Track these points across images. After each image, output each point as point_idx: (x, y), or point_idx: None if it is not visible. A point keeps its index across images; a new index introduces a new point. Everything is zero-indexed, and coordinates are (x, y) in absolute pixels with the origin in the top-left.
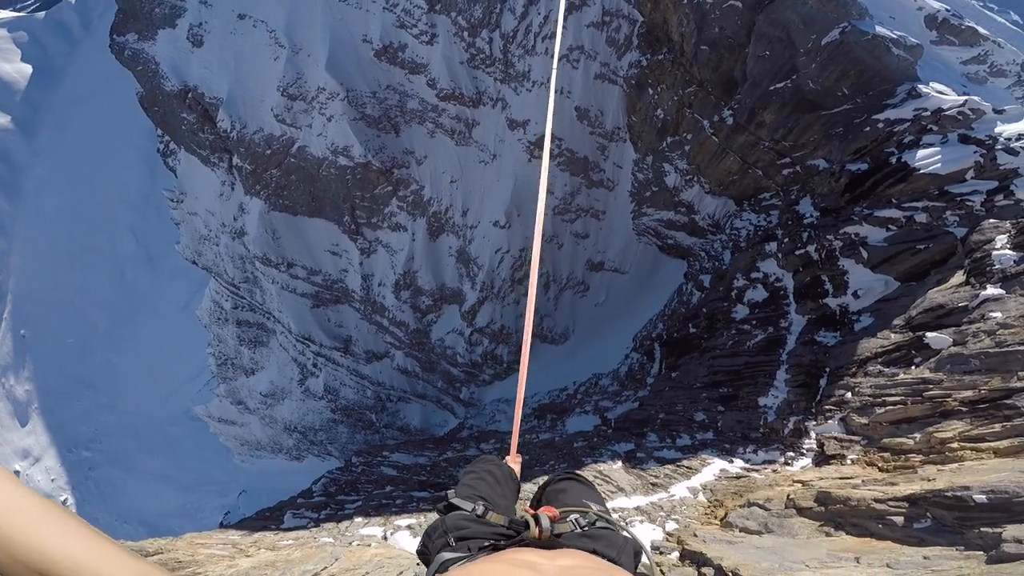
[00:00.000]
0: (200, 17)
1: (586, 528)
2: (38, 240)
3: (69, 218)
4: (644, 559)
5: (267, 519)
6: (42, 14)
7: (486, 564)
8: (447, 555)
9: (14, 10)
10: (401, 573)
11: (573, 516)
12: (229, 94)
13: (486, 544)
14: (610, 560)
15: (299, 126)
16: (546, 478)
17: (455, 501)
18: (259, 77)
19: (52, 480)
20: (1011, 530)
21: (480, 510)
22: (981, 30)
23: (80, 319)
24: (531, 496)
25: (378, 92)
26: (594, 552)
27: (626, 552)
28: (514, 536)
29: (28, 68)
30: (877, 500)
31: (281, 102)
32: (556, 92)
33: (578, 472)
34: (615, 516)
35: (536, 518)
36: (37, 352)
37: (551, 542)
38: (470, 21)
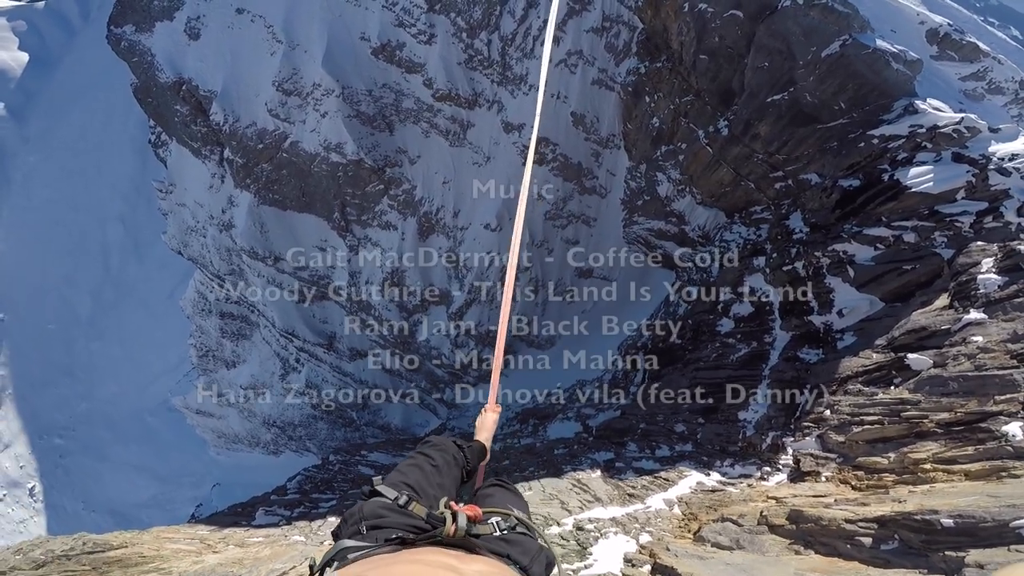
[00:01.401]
0: (198, 11)
1: (505, 532)
2: (24, 226)
3: (57, 205)
4: (555, 571)
5: (238, 515)
6: (42, 3)
7: (404, 566)
8: (349, 543)
9: None
10: None
11: (494, 519)
12: (224, 87)
13: (394, 536)
14: (522, 568)
15: (292, 121)
16: (477, 482)
17: (379, 488)
18: (255, 71)
19: (21, 467)
20: (974, 555)
21: (403, 500)
22: (982, 46)
23: (63, 306)
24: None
25: (374, 90)
26: (508, 557)
27: (539, 561)
28: (429, 529)
29: (24, 56)
30: (848, 520)
31: (275, 97)
32: (552, 96)
33: (506, 480)
34: (536, 523)
35: (455, 515)
36: (15, 337)
37: (465, 541)
38: (469, 22)
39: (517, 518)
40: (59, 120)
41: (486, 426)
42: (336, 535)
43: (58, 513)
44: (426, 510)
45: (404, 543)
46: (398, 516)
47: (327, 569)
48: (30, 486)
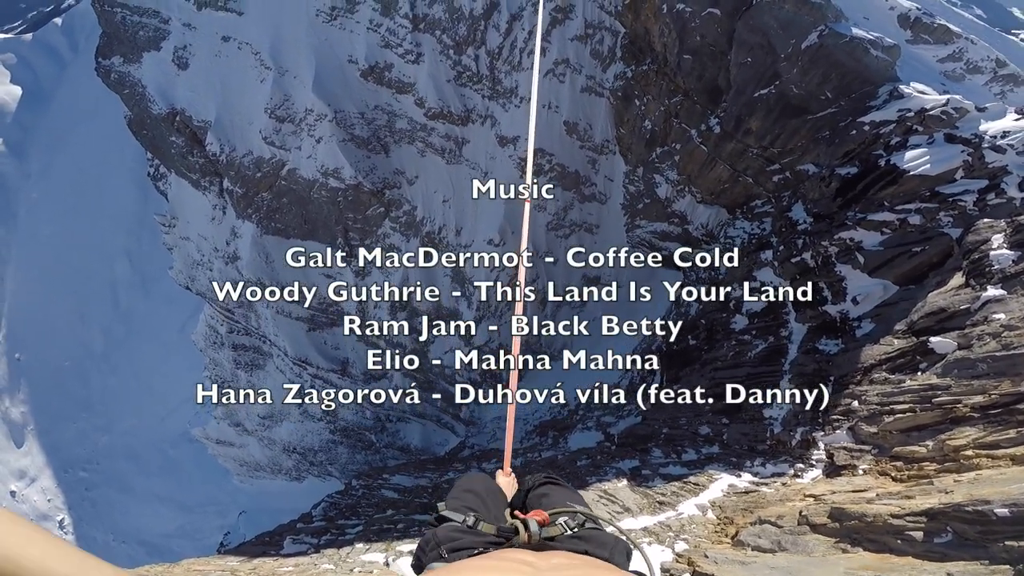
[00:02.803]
0: (184, 40)
1: (576, 530)
2: (32, 264)
3: (63, 241)
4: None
5: (266, 544)
6: (29, 36)
7: (480, 561)
8: (438, 565)
9: (1, 32)
10: None
11: (562, 519)
12: (217, 117)
13: (476, 552)
14: (603, 560)
15: (288, 148)
16: (527, 482)
17: (446, 513)
18: (246, 99)
19: (48, 500)
20: None
21: (471, 521)
22: (953, 27)
23: (76, 342)
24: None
25: (366, 113)
26: (586, 553)
27: (618, 551)
28: (504, 542)
29: (18, 90)
30: (894, 516)
31: (269, 124)
32: (543, 107)
33: (556, 476)
34: (605, 515)
35: (525, 523)
36: (33, 375)
37: (541, 545)
38: (455, 39)
39: (584, 514)
40: (57, 154)
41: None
42: (418, 565)
43: (90, 545)
44: (494, 527)
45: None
46: (472, 536)
47: None
48: (59, 518)
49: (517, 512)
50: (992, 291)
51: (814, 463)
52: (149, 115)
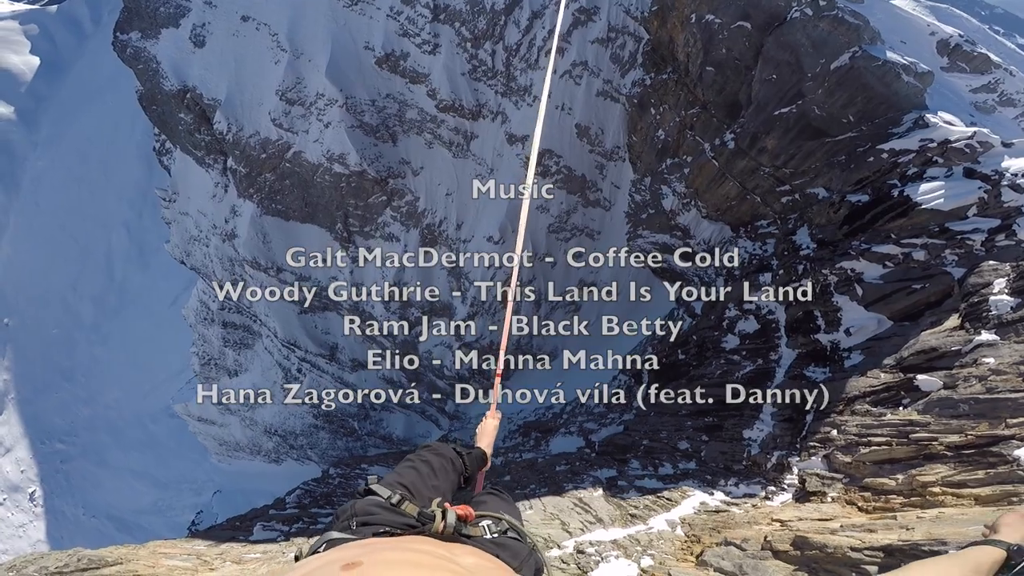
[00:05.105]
0: (204, 18)
1: (496, 536)
2: (31, 231)
3: (64, 211)
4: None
5: (236, 529)
6: (54, 8)
7: (397, 553)
8: (336, 534)
9: (28, 2)
10: None
11: (485, 522)
12: (228, 96)
13: (381, 531)
14: (514, 569)
15: (296, 131)
16: (470, 494)
17: (373, 487)
18: (259, 80)
19: (22, 471)
20: None
21: (395, 499)
22: (993, 57)
23: (67, 311)
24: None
25: (377, 100)
26: (497, 558)
27: (528, 565)
28: (419, 526)
29: (36, 60)
30: (853, 548)
31: (279, 106)
32: (556, 108)
33: (501, 489)
34: (527, 529)
35: (444, 512)
36: (19, 342)
37: (454, 539)
38: (474, 32)
39: (508, 522)
40: (68, 125)
41: (487, 432)
42: (326, 532)
43: (58, 518)
44: (418, 509)
45: (392, 536)
46: (389, 514)
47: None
48: (31, 491)
49: (445, 503)
50: (986, 335)
51: (786, 487)
52: (160, 91)
